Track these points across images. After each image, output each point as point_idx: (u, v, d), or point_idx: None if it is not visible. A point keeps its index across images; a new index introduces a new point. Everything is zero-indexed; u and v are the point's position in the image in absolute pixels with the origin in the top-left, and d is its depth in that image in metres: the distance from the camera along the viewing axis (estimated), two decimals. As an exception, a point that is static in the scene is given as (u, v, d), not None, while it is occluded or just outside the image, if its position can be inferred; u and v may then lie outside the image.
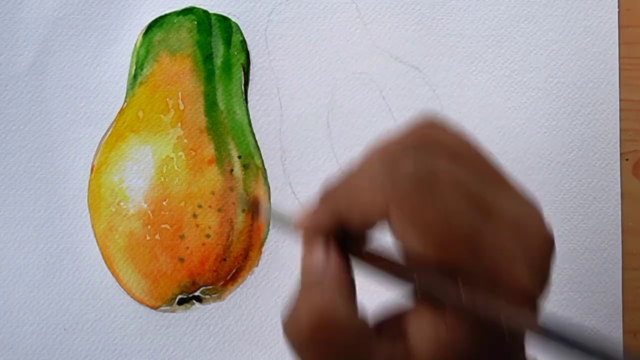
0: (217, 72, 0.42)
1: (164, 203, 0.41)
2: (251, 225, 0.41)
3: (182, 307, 0.41)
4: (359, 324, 0.26)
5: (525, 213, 0.26)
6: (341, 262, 0.26)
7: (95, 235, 0.41)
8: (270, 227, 0.39)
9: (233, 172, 0.41)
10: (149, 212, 0.41)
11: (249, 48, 0.42)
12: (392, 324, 0.26)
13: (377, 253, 0.26)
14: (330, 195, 0.27)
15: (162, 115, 0.42)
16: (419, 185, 0.24)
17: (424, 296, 0.25)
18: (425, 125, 0.28)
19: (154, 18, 0.42)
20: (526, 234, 0.26)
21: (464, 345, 0.25)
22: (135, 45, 0.42)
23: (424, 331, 0.25)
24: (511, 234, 0.25)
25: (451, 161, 0.26)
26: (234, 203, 0.41)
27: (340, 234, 0.27)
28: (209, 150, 0.41)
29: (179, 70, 0.42)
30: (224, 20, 0.42)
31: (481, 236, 0.24)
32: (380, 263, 0.26)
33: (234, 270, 0.41)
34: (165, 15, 0.42)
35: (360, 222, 0.26)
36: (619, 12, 0.42)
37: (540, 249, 0.26)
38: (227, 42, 0.42)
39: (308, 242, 0.27)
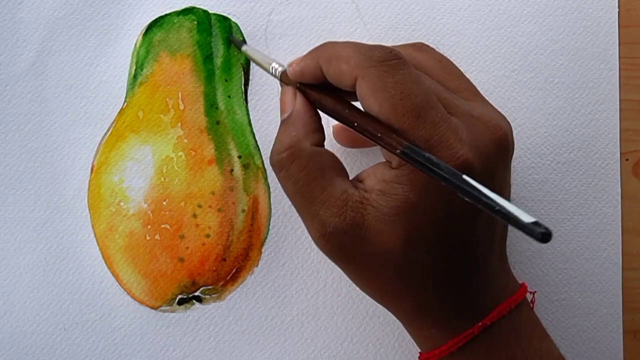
0: (217, 72, 0.42)
1: (164, 203, 0.41)
2: (251, 225, 0.41)
3: (182, 307, 0.41)
4: (324, 155, 0.33)
5: (481, 114, 0.33)
6: (305, 103, 0.34)
7: (95, 235, 0.41)
8: (249, 61, 0.41)
9: (233, 172, 0.41)
10: (149, 212, 0.41)
11: (249, 48, 0.42)
12: (358, 176, 0.33)
13: (331, 100, 0.33)
14: (317, 53, 0.33)
15: (162, 115, 0.42)
16: (383, 65, 0.31)
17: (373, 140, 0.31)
18: (412, 47, 0.36)
19: (154, 18, 0.42)
20: (475, 125, 0.32)
21: (404, 192, 0.30)
22: (135, 45, 0.42)
23: (375, 174, 0.32)
24: (461, 120, 0.31)
25: (419, 72, 0.32)
26: (234, 203, 0.41)
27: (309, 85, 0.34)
28: (209, 150, 0.41)
29: (179, 70, 0.42)
30: (224, 20, 0.42)
31: (428, 111, 0.30)
32: (331, 107, 0.33)
33: (234, 270, 0.41)
34: (165, 15, 0.42)
35: (335, 82, 0.32)
36: (619, 12, 0.42)
37: (485, 134, 0.32)
38: (227, 42, 0.42)
39: (283, 90, 0.34)
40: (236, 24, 0.42)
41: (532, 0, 0.42)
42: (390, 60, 0.31)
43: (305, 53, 0.34)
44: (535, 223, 0.25)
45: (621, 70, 0.42)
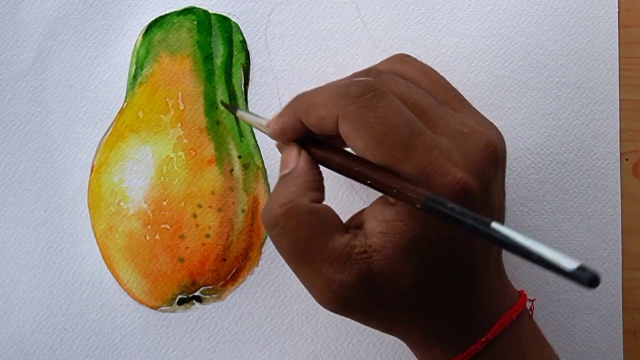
0: (217, 72, 0.42)
1: (164, 203, 0.41)
2: (251, 225, 0.41)
3: (182, 307, 0.41)
4: (324, 211, 0.31)
5: (471, 129, 0.32)
6: (309, 160, 0.32)
7: (95, 235, 0.41)
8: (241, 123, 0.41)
9: (233, 172, 0.41)
10: (149, 212, 0.41)
11: (249, 48, 0.42)
12: (356, 220, 0.32)
13: (338, 156, 0.32)
14: (293, 107, 0.33)
15: (162, 115, 0.42)
16: (361, 100, 0.30)
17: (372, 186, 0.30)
18: (394, 60, 0.36)
19: (154, 18, 0.42)
20: (466, 143, 0.31)
21: (408, 227, 0.30)
22: (135, 45, 0.42)
23: (375, 215, 0.31)
24: (450, 141, 0.31)
25: (405, 86, 0.32)
26: (234, 203, 0.41)
27: (312, 141, 0.33)
28: (209, 150, 0.41)
29: (179, 70, 0.42)
30: (224, 20, 0.42)
31: (415, 140, 0.30)
32: (340, 165, 0.32)
33: (234, 270, 0.41)
34: (165, 15, 0.42)
35: (318, 129, 0.31)
36: (619, 12, 0.42)
37: (477, 152, 0.31)
38: (227, 42, 0.42)
39: (287, 146, 0.33)
40: (236, 24, 0.42)
41: (532, 0, 0.42)
42: (367, 94, 0.30)
43: (281, 110, 0.33)
44: (581, 268, 0.23)
45: (621, 70, 0.42)
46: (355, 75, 0.34)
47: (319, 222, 0.31)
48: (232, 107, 0.41)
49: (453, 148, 0.31)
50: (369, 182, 0.30)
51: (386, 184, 0.30)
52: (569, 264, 0.23)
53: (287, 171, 0.32)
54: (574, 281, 0.23)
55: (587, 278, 0.23)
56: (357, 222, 0.32)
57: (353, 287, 0.30)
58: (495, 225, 0.26)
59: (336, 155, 0.32)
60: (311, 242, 0.30)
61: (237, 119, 0.42)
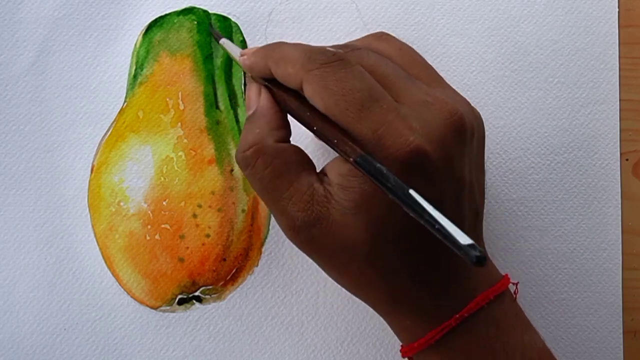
0: (217, 72, 0.42)
1: (164, 203, 0.41)
2: (251, 225, 0.41)
3: (182, 307, 0.41)
4: (289, 151, 0.33)
5: (436, 99, 0.32)
6: (269, 99, 0.34)
7: (95, 235, 0.41)
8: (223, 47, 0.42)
9: (233, 172, 0.41)
10: (149, 212, 0.41)
11: (249, 48, 0.42)
12: (324, 168, 0.33)
13: (294, 101, 0.33)
14: (267, 52, 0.34)
15: (162, 115, 0.42)
16: (325, 66, 0.31)
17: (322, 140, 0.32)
18: (373, 37, 0.37)
19: (154, 18, 0.42)
20: (428, 111, 0.32)
21: (359, 184, 0.31)
22: (135, 45, 0.42)
23: (334, 167, 0.32)
24: (412, 109, 0.31)
25: (377, 59, 0.33)
26: (234, 203, 0.41)
27: (277, 83, 0.34)
28: (209, 150, 0.41)
29: (179, 70, 0.42)
30: (224, 20, 0.42)
31: (372, 103, 0.31)
32: (294, 109, 0.33)
33: (234, 270, 0.41)
34: (165, 15, 0.42)
35: (284, 82, 0.33)
36: (619, 12, 0.42)
37: (438, 120, 0.32)
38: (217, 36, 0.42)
39: (249, 85, 0.35)
40: (236, 24, 0.42)
41: (532, 0, 0.42)
42: (332, 62, 0.32)
43: (256, 48, 0.35)
44: (471, 246, 0.25)
45: (621, 70, 0.42)
46: (331, 47, 0.35)
47: (285, 162, 0.32)
48: (217, 34, 0.41)
49: (413, 116, 0.31)
50: (315, 129, 0.32)
51: (328, 134, 0.31)
52: (464, 239, 0.26)
53: (250, 112, 0.34)
54: (463, 255, 0.26)
55: (475, 255, 0.25)
56: (323, 171, 0.33)
57: (315, 226, 0.32)
58: (412, 192, 0.28)
59: (293, 100, 0.33)
60: (277, 181, 0.32)
61: (237, 119, 0.42)
